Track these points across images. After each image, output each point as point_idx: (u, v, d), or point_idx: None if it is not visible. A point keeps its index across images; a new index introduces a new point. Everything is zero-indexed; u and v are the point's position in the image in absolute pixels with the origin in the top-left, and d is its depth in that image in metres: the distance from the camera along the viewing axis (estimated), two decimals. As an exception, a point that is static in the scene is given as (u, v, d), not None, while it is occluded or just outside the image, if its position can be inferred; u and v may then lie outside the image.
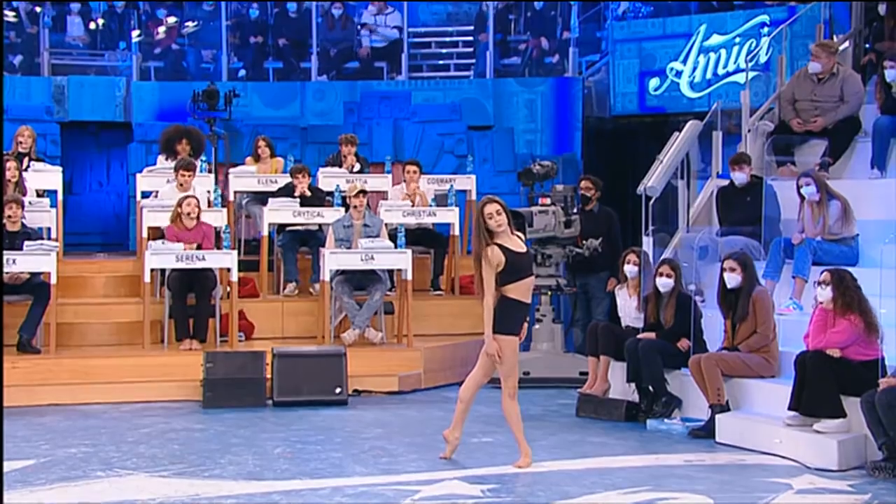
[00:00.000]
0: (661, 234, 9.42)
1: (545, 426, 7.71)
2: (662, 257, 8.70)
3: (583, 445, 7.15)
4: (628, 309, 8.44)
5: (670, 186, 9.55)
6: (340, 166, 11.34)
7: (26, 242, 8.96)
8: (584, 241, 9.67)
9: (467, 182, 11.58)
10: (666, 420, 7.66)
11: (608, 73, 13.65)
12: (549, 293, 9.61)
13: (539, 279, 9.58)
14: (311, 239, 10.41)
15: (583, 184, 10.20)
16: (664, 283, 7.93)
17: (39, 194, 10.39)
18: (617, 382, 8.15)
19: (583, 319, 10.02)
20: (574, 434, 7.48)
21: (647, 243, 9.22)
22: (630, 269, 8.41)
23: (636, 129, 13.32)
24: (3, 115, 10.11)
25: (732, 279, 7.56)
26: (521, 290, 6.39)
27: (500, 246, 6.35)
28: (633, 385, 7.96)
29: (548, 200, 9.60)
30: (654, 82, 13.27)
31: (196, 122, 12.11)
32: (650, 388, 7.86)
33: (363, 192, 9.74)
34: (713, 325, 7.92)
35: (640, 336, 7.97)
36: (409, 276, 9.55)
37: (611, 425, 7.78)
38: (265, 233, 10.42)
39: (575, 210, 9.74)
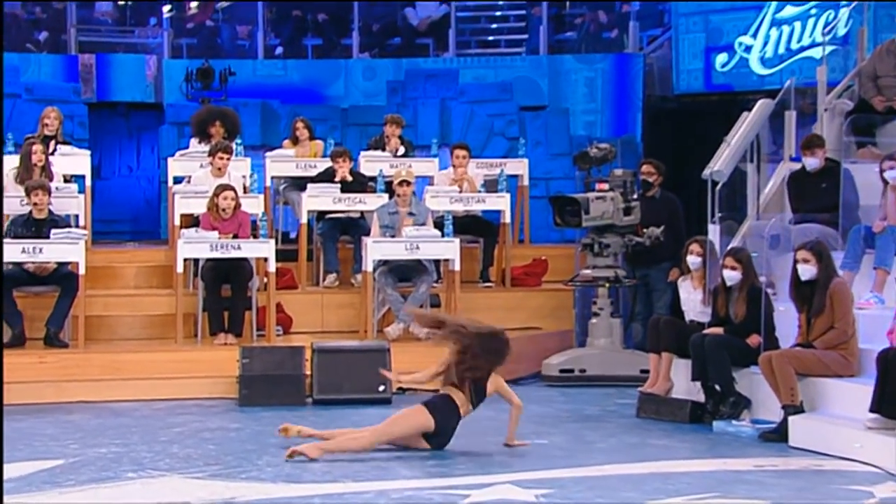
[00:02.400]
0: (729, 223, 9.34)
1: (603, 427, 7.70)
2: (729, 247, 8.62)
3: (644, 448, 7.12)
4: (692, 302, 8.38)
5: (738, 171, 9.45)
6: (383, 149, 11.37)
7: (53, 230, 9.07)
8: (644, 230, 9.62)
9: (519, 166, 11.57)
10: (734, 422, 7.60)
11: (671, 49, 13.55)
12: (607, 285, 9.58)
13: (596, 270, 9.59)
14: (353, 227, 10.45)
15: (643, 168, 10.13)
16: (730, 276, 7.87)
17: (66, 179, 10.49)
18: (681, 381, 8.10)
19: (643, 313, 9.96)
20: (634, 436, 7.46)
21: (714, 232, 9.13)
22: (693, 260, 8.35)
23: (702, 108, 13.21)
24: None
25: (806, 271, 7.47)
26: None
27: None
28: (698, 384, 7.90)
29: (606, 186, 9.57)
30: (721, 58, 13.14)
31: (190, 104, 12.19)
32: (717, 387, 7.80)
33: (407, 182, 9.72)
34: (786, 319, 7.84)
35: (706, 331, 7.91)
36: (457, 267, 9.56)
37: (674, 427, 7.74)
38: (304, 220, 10.47)
39: (635, 196, 9.69)
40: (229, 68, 12.57)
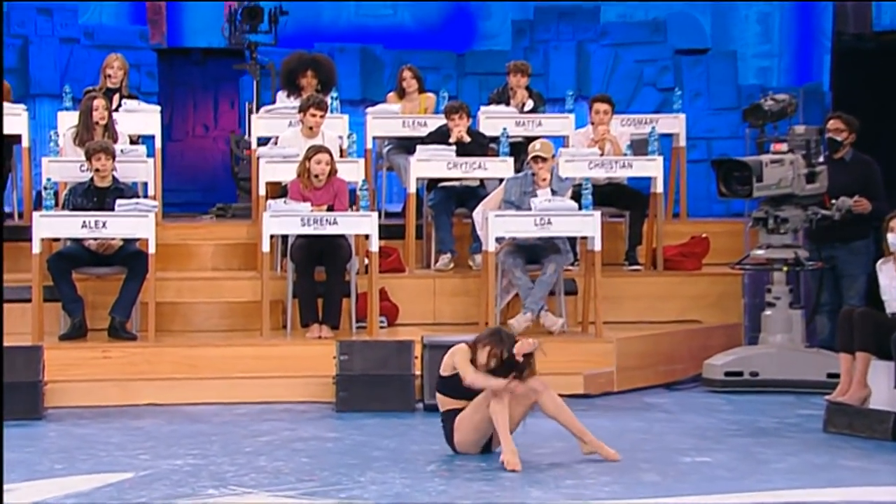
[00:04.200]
0: (942, 191, 9.13)
1: (782, 444, 7.59)
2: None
3: (834, 470, 7.01)
4: (895, 290, 8.19)
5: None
6: (507, 104, 11.34)
7: (118, 201, 9.23)
8: (832, 201, 9.45)
9: (674, 123, 11.46)
10: (951, 440, 7.44)
11: (871, -26, 13.22)
12: (786, 269, 9.42)
13: (771, 250, 9.44)
14: (471, 198, 10.46)
15: (831, 124, 9.90)
16: (932, 259, 7.70)
17: (133, 141, 10.68)
18: (881, 388, 7.92)
19: (831, 303, 9.78)
20: (821, 455, 7.35)
21: (922, 202, 8.94)
22: (894, 238, 8.16)
23: (910, 48, 12.89)
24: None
25: None
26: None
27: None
28: (903, 392, 7.75)
29: (783, 146, 9.42)
30: (936, -16, 12.77)
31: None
32: (927, 395, 7.64)
33: (542, 157, 9.61)
34: None
35: (912, 326, 7.75)
36: (598, 246, 9.50)
37: (873, 445, 7.59)
38: (412, 190, 10.51)
39: (821, 159, 9.51)
40: (280, 7, 12.61)
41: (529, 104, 11.36)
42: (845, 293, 9.75)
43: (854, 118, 10.01)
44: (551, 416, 7.15)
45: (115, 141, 9.99)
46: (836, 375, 8.25)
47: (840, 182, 9.55)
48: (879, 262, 8.43)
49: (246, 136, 12.24)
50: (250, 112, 12.20)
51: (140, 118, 10.86)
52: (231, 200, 12.38)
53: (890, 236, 8.21)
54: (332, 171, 9.61)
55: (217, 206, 12.13)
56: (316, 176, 9.53)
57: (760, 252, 9.53)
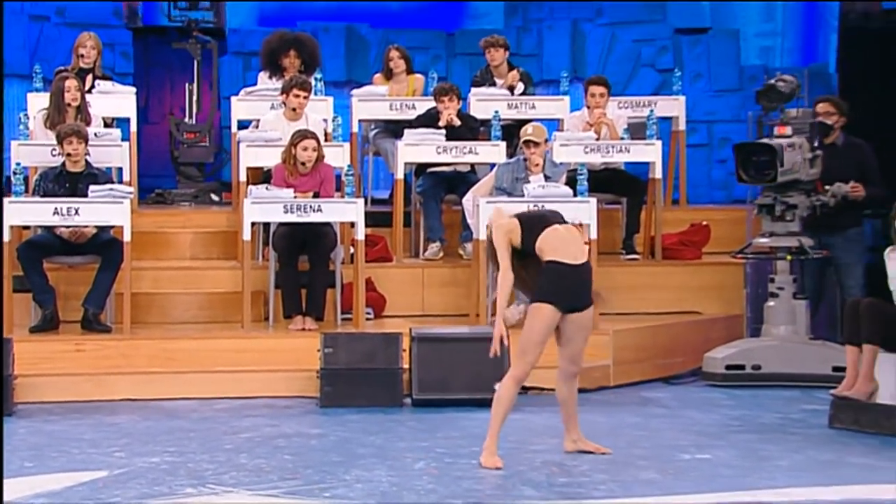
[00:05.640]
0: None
1: (786, 440, 7.60)
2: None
3: (840, 468, 7.02)
4: (904, 280, 8.21)
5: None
6: (493, 84, 11.32)
7: (92, 187, 9.23)
8: (825, 187, 9.42)
9: (673, 106, 11.47)
10: (963, 437, 7.46)
11: (880, -55, 13.21)
12: (790, 257, 9.42)
13: (775, 238, 9.44)
14: (461, 184, 10.47)
15: (820, 107, 9.79)
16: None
17: (107, 124, 10.69)
18: (888, 381, 7.93)
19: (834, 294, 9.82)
20: (827, 452, 7.36)
21: (929, 189, 8.95)
22: (900, 227, 8.18)
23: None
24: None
25: None
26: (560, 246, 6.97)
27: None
28: (913, 386, 7.77)
29: (787, 130, 9.39)
30: (952, -45, 12.71)
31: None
32: (938, 390, 7.66)
33: (534, 142, 9.58)
34: None
35: (922, 318, 7.76)
36: (594, 234, 9.49)
37: (880, 441, 7.61)
38: (399, 175, 10.50)
39: (816, 143, 9.48)
40: None
41: (519, 87, 11.32)
42: (843, 283, 9.74)
43: (842, 100, 9.98)
44: (563, 399, 7.21)
45: (88, 124, 10.00)
46: (842, 369, 8.26)
47: (833, 167, 9.48)
48: (888, 250, 8.40)
49: (186, 119, 12.26)
50: (191, 94, 12.20)
51: (114, 100, 10.87)
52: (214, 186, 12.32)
53: (897, 224, 8.22)
54: (319, 157, 9.61)
55: (156, 192, 12.08)
56: (303, 163, 9.54)
57: (763, 240, 9.52)
